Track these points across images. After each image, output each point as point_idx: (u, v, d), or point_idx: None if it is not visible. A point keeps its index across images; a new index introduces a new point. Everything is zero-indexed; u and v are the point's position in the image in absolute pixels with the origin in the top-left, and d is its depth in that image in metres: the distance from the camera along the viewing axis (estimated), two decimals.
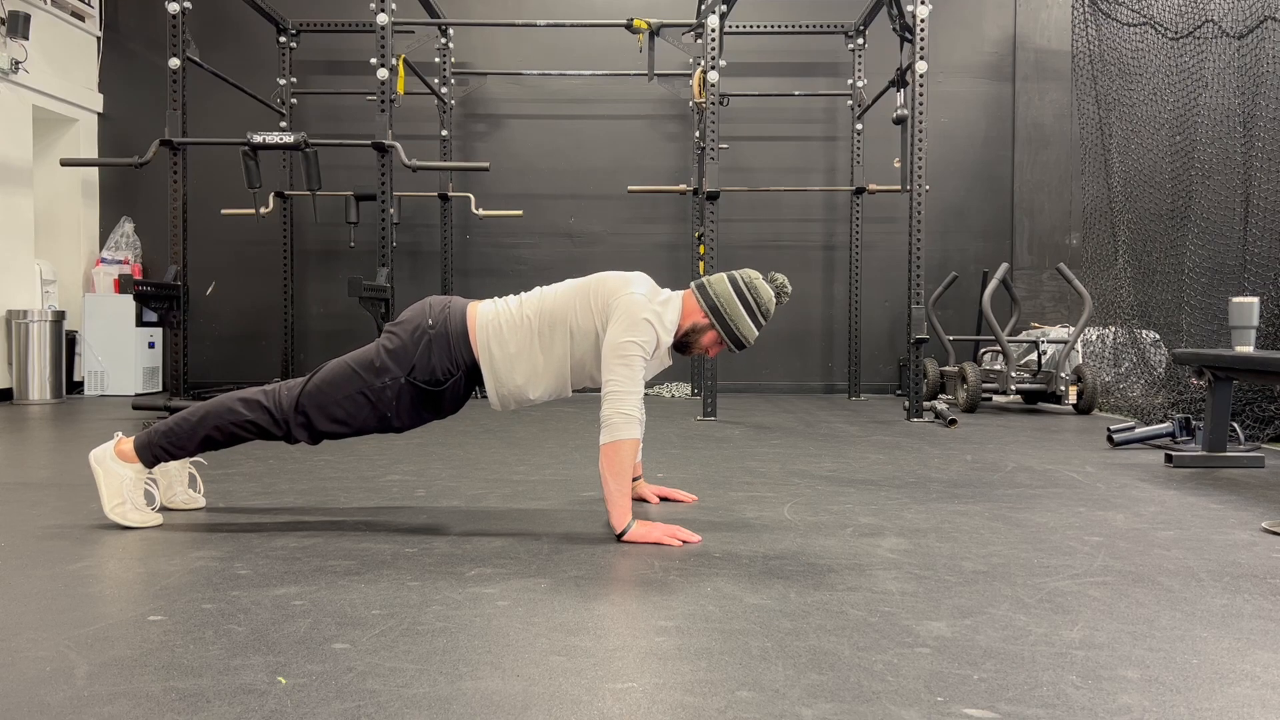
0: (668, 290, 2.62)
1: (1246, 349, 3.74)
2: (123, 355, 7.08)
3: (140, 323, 6.26)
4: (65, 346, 6.81)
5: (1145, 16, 6.00)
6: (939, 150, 7.42)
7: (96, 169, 7.51)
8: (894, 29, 5.74)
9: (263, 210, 6.22)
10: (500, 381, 2.52)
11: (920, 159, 5.43)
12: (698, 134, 7.18)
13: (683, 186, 7.23)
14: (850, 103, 7.37)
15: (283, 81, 7.33)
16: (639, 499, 2.92)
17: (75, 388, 7.11)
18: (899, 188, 6.46)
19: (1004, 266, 6.26)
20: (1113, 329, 6.51)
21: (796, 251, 7.75)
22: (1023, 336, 6.81)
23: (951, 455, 4.03)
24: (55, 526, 2.51)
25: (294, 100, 7.43)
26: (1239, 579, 2.06)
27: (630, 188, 7.19)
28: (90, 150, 7.51)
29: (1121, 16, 6.20)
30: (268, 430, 2.51)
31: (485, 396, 2.61)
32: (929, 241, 6.52)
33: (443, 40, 7.36)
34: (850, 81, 7.33)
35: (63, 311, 6.80)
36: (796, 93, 7.57)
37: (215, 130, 7.11)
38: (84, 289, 7.37)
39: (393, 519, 2.64)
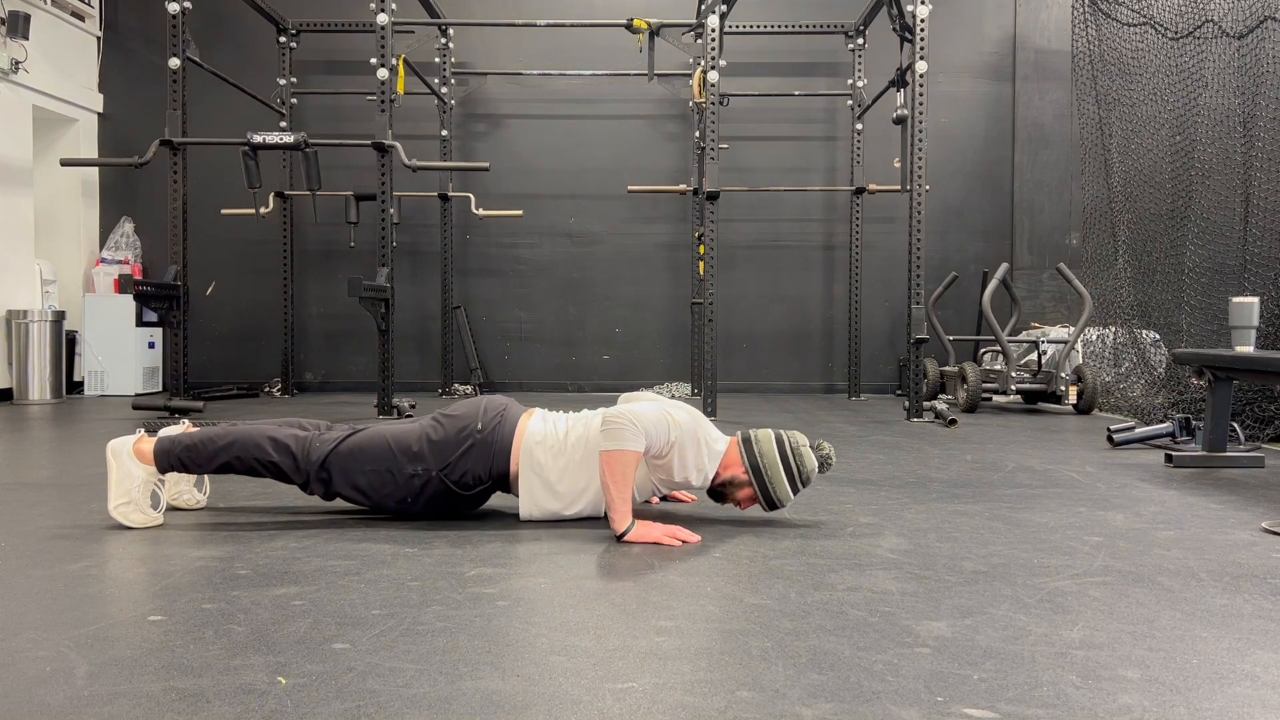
0: (721, 435, 2.58)
1: (1246, 349, 3.74)
2: (123, 355, 7.08)
3: (140, 323, 6.27)
4: (65, 346, 6.81)
5: (1145, 16, 6.00)
6: (939, 150, 7.42)
7: (96, 169, 7.51)
8: (894, 29, 5.74)
9: (263, 210, 6.23)
10: (535, 502, 2.54)
11: (920, 159, 5.43)
12: (698, 134, 7.18)
13: (683, 186, 7.23)
14: (850, 103, 7.37)
15: (283, 81, 7.33)
16: None
17: (75, 388, 7.11)
18: (899, 188, 6.46)
19: (1004, 266, 6.26)
20: (1113, 329, 6.51)
21: (796, 251, 7.75)
22: (1023, 336, 6.82)
23: (951, 455, 4.03)
24: (55, 526, 2.51)
25: (294, 100, 7.43)
26: (1239, 579, 2.06)
27: (630, 188, 7.19)
28: (90, 150, 7.51)
29: (1121, 16, 6.20)
30: (285, 475, 2.53)
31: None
32: (929, 241, 6.52)
33: (443, 40, 7.36)
34: (850, 81, 7.33)
35: (63, 311, 6.80)
36: (796, 93, 7.57)
37: (215, 130, 7.10)
38: (84, 289, 7.37)
39: (393, 519, 2.64)
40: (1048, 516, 2.72)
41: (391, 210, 5.61)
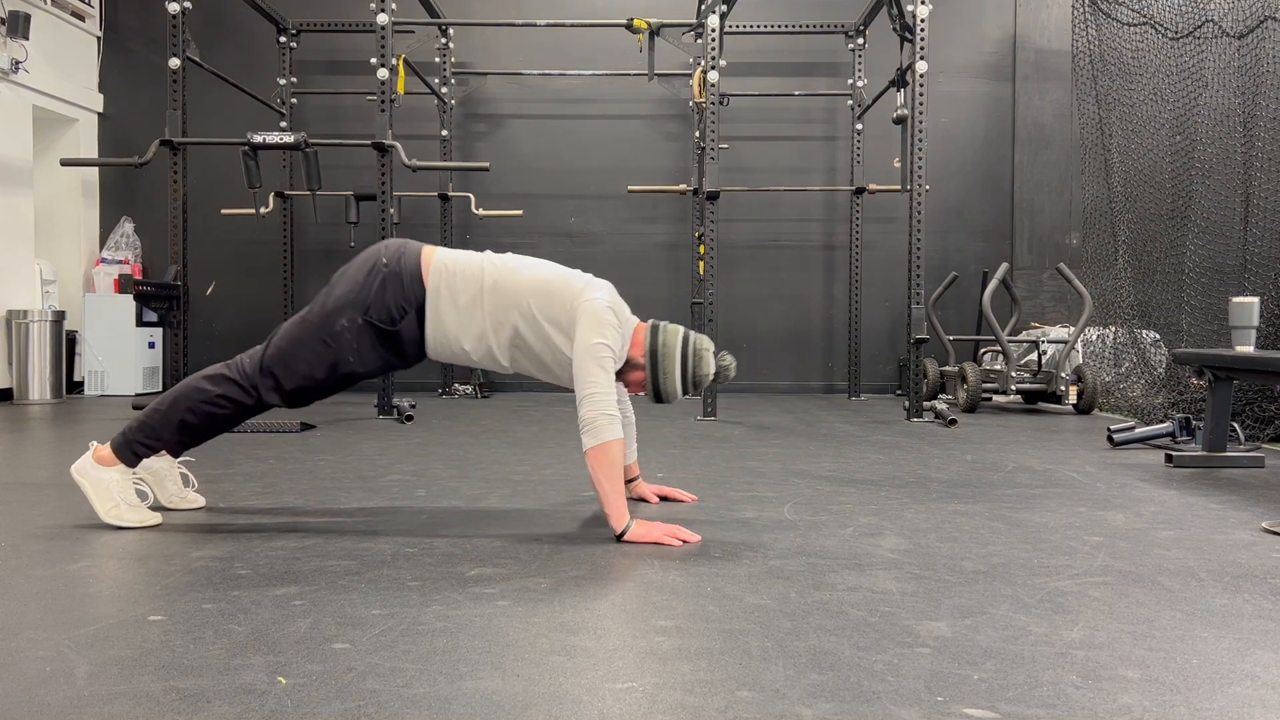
0: (627, 316, 2.58)
1: (1246, 349, 3.74)
2: (123, 355, 7.08)
3: (140, 323, 6.27)
4: (65, 346, 6.81)
5: (1145, 16, 6.00)
6: (939, 150, 7.42)
7: (96, 169, 7.51)
8: (894, 29, 5.74)
9: (263, 210, 6.22)
10: (441, 325, 2.49)
11: (920, 159, 5.43)
12: (698, 134, 7.18)
13: (683, 186, 7.23)
14: (850, 103, 7.37)
15: (283, 81, 7.33)
16: (639, 499, 2.92)
17: (75, 388, 7.11)
18: (899, 188, 6.46)
19: (1004, 266, 6.26)
20: (1113, 329, 6.50)
21: (796, 251, 7.75)
22: (1023, 336, 6.82)
23: (951, 455, 4.04)
24: (55, 526, 2.51)
25: (294, 100, 7.43)
26: (1239, 579, 2.06)
27: (630, 188, 7.19)
28: (90, 150, 7.51)
29: (1121, 16, 6.20)
30: (239, 401, 2.51)
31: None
32: (929, 241, 6.52)
33: (443, 40, 7.36)
34: (850, 81, 7.33)
35: (63, 311, 6.80)
36: (796, 93, 7.57)
37: (215, 130, 7.11)
38: (84, 289, 7.37)
39: (393, 519, 2.64)
40: (1048, 516, 2.72)
41: (391, 210, 5.60)
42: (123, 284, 7.25)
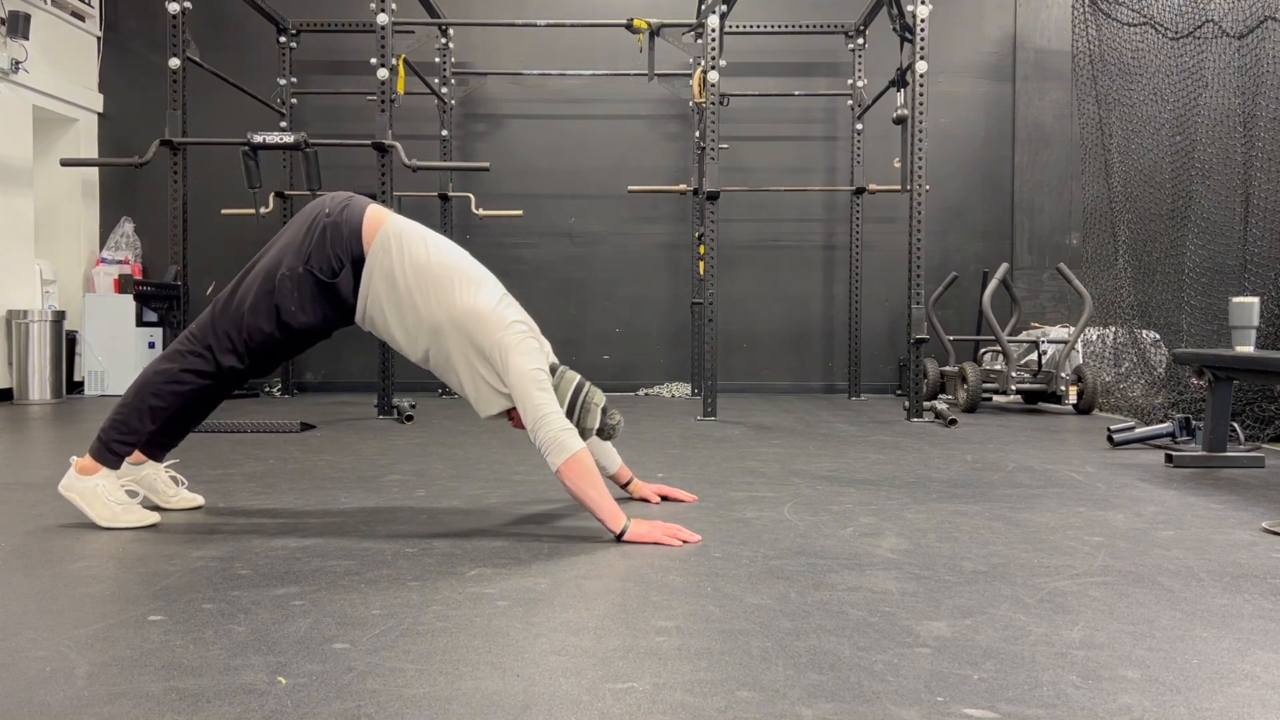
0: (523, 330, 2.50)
1: (1246, 349, 3.74)
2: (123, 355, 7.08)
3: (140, 323, 6.28)
4: (65, 346, 6.82)
5: (1145, 16, 6.00)
6: (939, 150, 7.42)
7: (96, 169, 7.51)
8: (894, 29, 5.74)
9: (263, 210, 6.22)
10: (376, 305, 2.47)
11: (920, 159, 5.43)
12: (698, 134, 7.18)
13: (683, 186, 7.23)
14: (850, 103, 7.37)
15: (283, 81, 7.33)
16: (640, 499, 2.92)
17: (75, 388, 7.11)
18: (899, 188, 6.46)
19: (1004, 266, 6.26)
20: (1113, 329, 6.50)
21: (796, 251, 7.75)
22: (1023, 336, 6.82)
23: (951, 455, 4.03)
24: (55, 526, 2.51)
25: (294, 100, 7.43)
26: (1239, 579, 2.06)
27: (630, 188, 7.19)
28: (90, 150, 7.51)
29: (1121, 16, 6.20)
30: (199, 370, 2.48)
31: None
32: (929, 241, 6.52)
33: (443, 40, 7.36)
34: (850, 81, 7.33)
35: (63, 311, 6.80)
36: (796, 93, 7.57)
37: (215, 130, 7.10)
38: (84, 289, 7.37)
39: (393, 519, 2.64)
40: (1048, 516, 2.72)
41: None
42: (123, 284, 7.25)
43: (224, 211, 7.00)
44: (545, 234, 7.70)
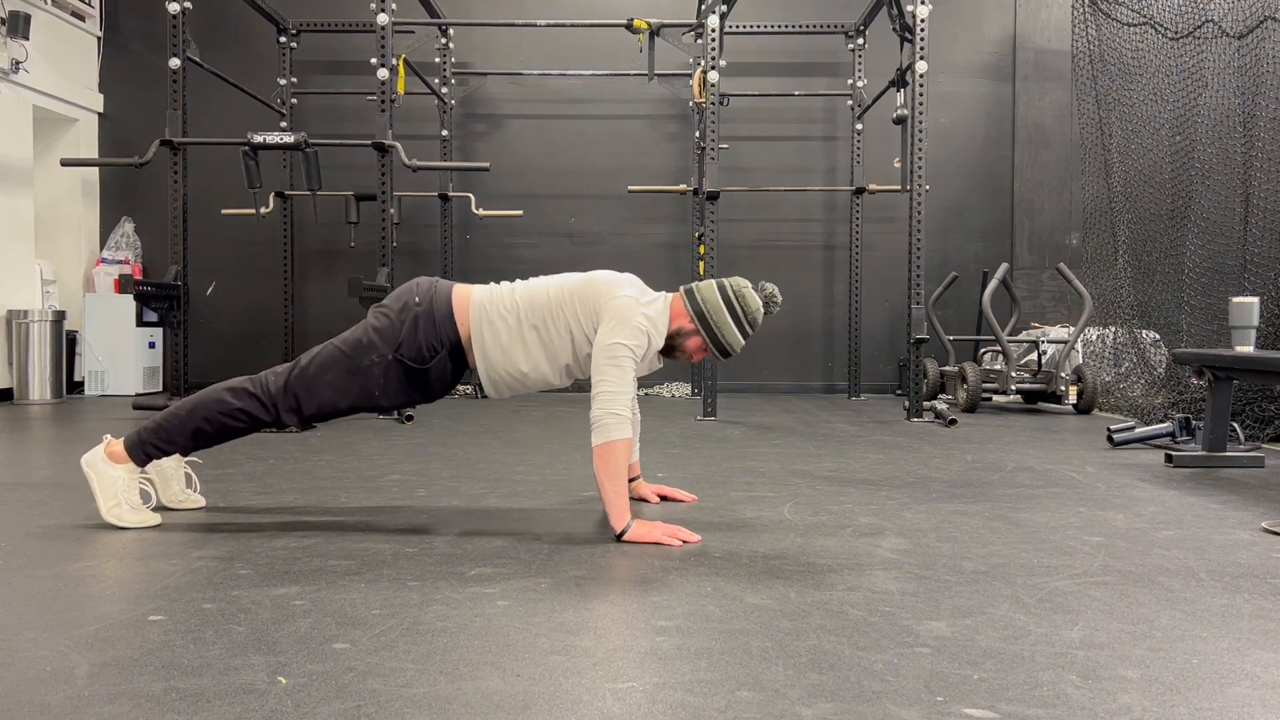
0: (657, 293, 2.62)
1: (1246, 349, 3.74)
2: (123, 355, 7.08)
3: (140, 323, 6.27)
4: (65, 346, 6.81)
5: (1145, 16, 6.00)
6: (939, 150, 7.42)
7: (97, 169, 7.51)
8: (894, 29, 5.74)
9: (263, 210, 6.22)
10: (491, 366, 2.54)
11: (920, 159, 5.43)
12: (698, 134, 7.18)
13: (683, 186, 7.23)
14: (850, 103, 7.37)
15: (283, 81, 7.33)
16: (639, 499, 2.92)
17: (75, 388, 7.11)
18: (899, 188, 6.46)
19: (1004, 266, 6.26)
20: (1113, 329, 6.50)
21: (796, 251, 7.75)
22: (1023, 336, 6.81)
23: (951, 455, 4.03)
24: (55, 526, 2.51)
25: (294, 100, 7.42)
26: (1239, 579, 2.06)
27: (630, 188, 7.19)
28: (90, 150, 7.51)
29: (1121, 16, 6.20)
30: (257, 417, 2.51)
31: (477, 384, 2.63)
32: (929, 241, 6.52)
33: (443, 40, 7.36)
34: (850, 81, 7.33)
35: (63, 311, 6.80)
36: (796, 93, 7.57)
37: (215, 130, 7.10)
38: (84, 289, 7.37)
39: (393, 519, 2.64)
40: (1048, 516, 2.72)
41: (391, 210, 5.60)
42: (123, 284, 7.25)
43: (224, 211, 7.00)
44: (545, 234, 7.69)
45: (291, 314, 7.45)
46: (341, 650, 1.56)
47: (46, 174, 7.16)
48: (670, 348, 2.61)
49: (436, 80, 7.32)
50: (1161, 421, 4.73)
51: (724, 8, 5.67)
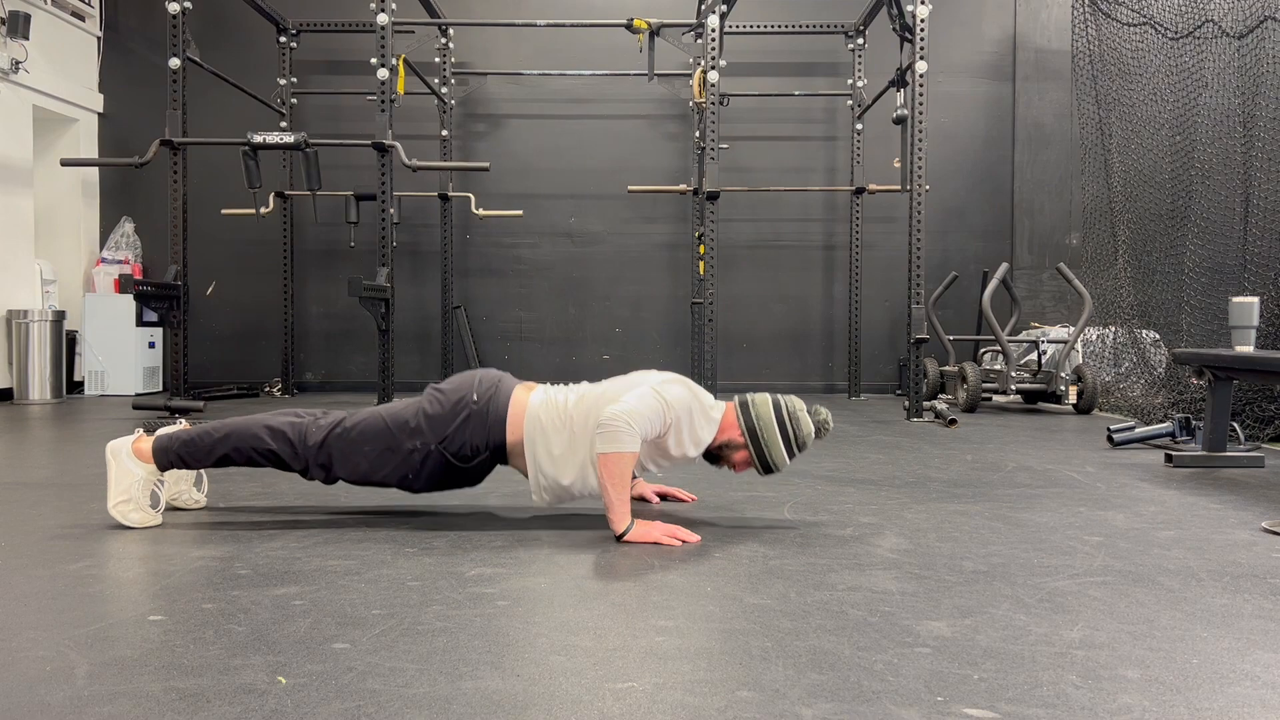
0: (717, 401, 2.58)
1: (1246, 349, 3.74)
2: (123, 355, 7.08)
3: (140, 323, 6.26)
4: (65, 346, 6.81)
5: (1145, 16, 6.00)
6: (939, 150, 7.42)
7: (96, 169, 7.51)
8: (894, 29, 5.74)
9: (263, 210, 6.23)
10: (543, 474, 2.49)
11: (920, 159, 5.43)
12: (698, 134, 7.17)
13: (683, 186, 7.23)
14: (850, 103, 7.37)
15: (283, 81, 7.33)
16: (639, 497, 2.92)
17: (75, 388, 7.11)
18: (899, 188, 6.46)
19: (1004, 266, 6.26)
20: (1113, 329, 6.50)
21: (796, 251, 7.75)
22: (1023, 336, 6.81)
23: (951, 455, 4.03)
24: (55, 526, 2.51)
25: (294, 100, 7.43)
26: (1239, 579, 2.06)
27: (630, 188, 7.19)
28: (90, 150, 7.51)
29: (1121, 16, 6.20)
30: (285, 463, 2.52)
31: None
32: (929, 241, 6.52)
33: (443, 40, 7.36)
34: (850, 81, 7.33)
35: (63, 311, 6.80)
36: (796, 93, 7.57)
37: (215, 130, 7.11)
38: (84, 289, 7.37)
39: (393, 519, 2.64)
40: (1048, 516, 2.72)
41: (391, 210, 5.60)
42: (123, 284, 7.25)
43: (224, 211, 7.00)
44: (545, 234, 7.69)
45: (291, 314, 7.45)
46: (341, 650, 1.56)
47: (46, 174, 7.16)
48: (716, 456, 2.58)
49: (436, 80, 7.32)
50: (1161, 421, 4.73)
51: (724, 8, 5.67)
